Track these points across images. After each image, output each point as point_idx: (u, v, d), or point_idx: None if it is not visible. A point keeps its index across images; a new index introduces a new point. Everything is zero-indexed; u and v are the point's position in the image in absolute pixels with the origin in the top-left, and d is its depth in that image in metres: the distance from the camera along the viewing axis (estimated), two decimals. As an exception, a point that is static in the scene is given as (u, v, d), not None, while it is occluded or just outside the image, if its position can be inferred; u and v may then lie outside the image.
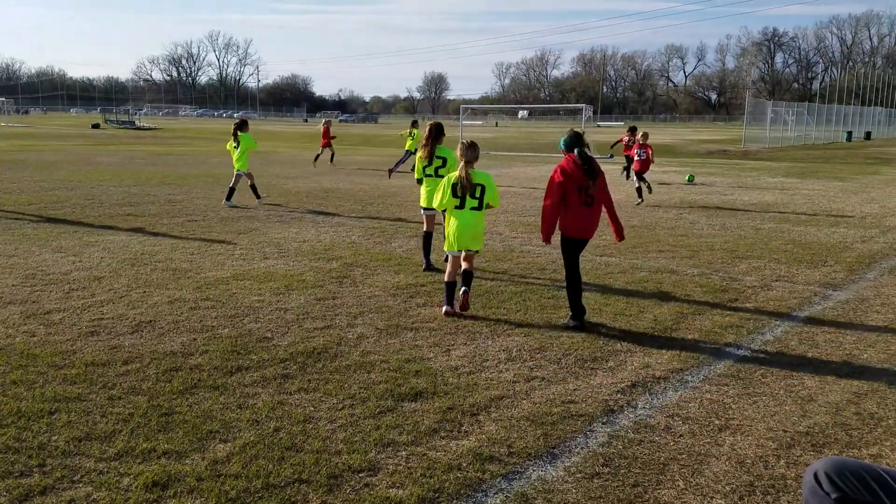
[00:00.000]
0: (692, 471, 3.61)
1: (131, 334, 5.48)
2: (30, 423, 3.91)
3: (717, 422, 4.19)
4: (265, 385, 4.57)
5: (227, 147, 13.42)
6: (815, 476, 2.32)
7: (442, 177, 7.27)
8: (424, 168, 8.07)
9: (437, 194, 6.56)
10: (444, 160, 7.97)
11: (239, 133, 13.02)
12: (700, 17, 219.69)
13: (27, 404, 4.13)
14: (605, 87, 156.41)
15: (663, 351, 5.42)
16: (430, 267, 8.01)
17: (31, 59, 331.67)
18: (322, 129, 24.57)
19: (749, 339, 5.75)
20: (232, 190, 13.07)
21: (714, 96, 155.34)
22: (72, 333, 5.43)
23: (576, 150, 5.98)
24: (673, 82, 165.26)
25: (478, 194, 6.29)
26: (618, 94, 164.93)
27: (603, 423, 4.13)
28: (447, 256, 6.51)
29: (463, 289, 6.24)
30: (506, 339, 5.62)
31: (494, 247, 9.49)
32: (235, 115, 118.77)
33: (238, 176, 13.15)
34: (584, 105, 34.77)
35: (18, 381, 4.48)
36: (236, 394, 4.42)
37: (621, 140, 20.07)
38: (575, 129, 6.51)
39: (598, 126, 59.15)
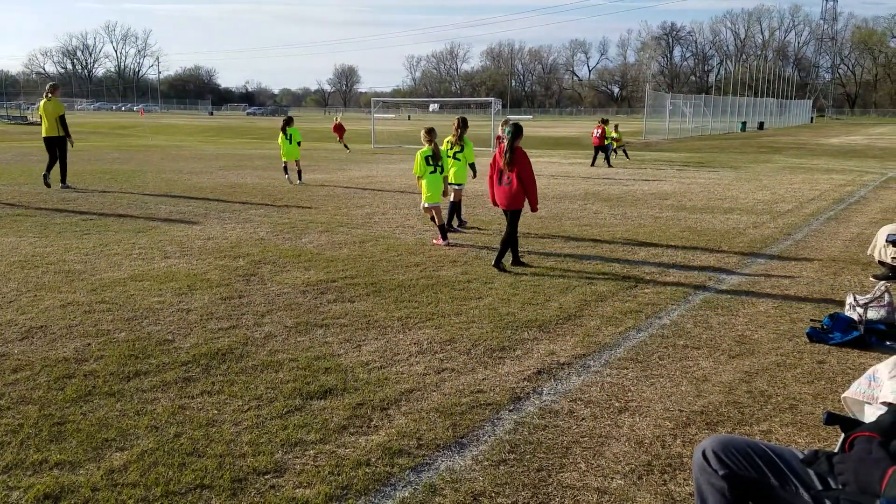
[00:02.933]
0: (593, 453, 3.73)
1: (21, 341, 5.18)
2: None
3: (616, 404, 4.35)
4: (165, 389, 4.42)
5: (279, 141, 16.51)
6: (704, 454, 2.44)
7: (459, 160, 10.21)
8: (447, 152, 10.09)
9: (415, 166, 9.24)
10: (462, 146, 10.30)
11: (288, 128, 16.30)
12: (602, 11, 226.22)
13: None
14: (513, 81, 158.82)
15: (567, 337, 5.57)
16: (455, 229, 10.33)
17: None
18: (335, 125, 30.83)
19: (647, 322, 5.99)
20: (299, 172, 16.35)
21: (616, 90, 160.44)
22: (-48, 343, 5.08)
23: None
24: (577, 76, 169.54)
25: (440, 162, 9.25)
26: (526, 88, 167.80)
27: (510, 411, 4.21)
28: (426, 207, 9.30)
29: (447, 240, 9.16)
30: (417, 332, 5.64)
31: (406, 240, 9.49)
32: (135, 107, 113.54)
33: (287, 165, 16.50)
34: (493, 98, 35.19)
35: None
36: (134, 400, 4.25)
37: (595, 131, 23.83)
38: (516, 122, 8.16)
39: (508, 119, 59.96)
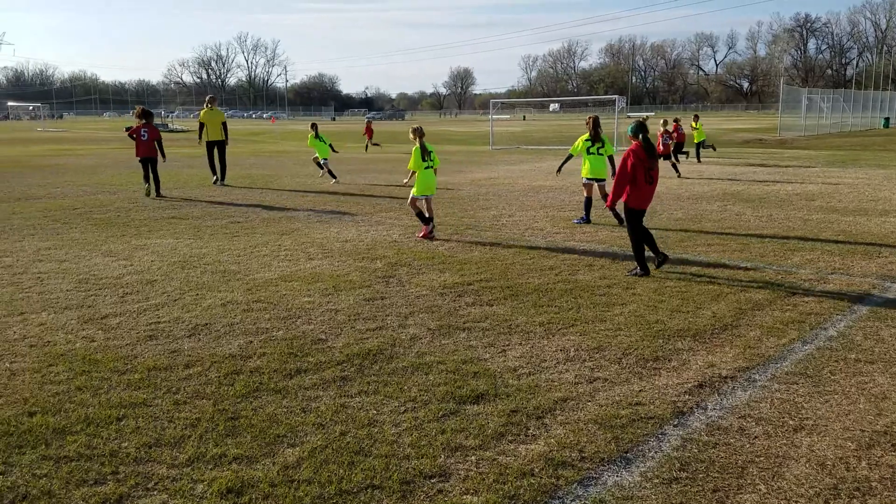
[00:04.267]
0: (772, 474, 3.50)
1: (189, 338, 5.51)
2: (99, 430, 3.93)
3: (791, 422, 4.07)
4: (325, 388, 4.56)
5: (309, 144, 18.00)
6: None
7: (602, 155, 10.88)
8: (588, 148, 10.92)
9: (411, 161, 9.77)
10: (604, 142, 10.97)
11: (318, 132, 17.99)
12: (730, 4, 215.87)
13: (94, 411, 4.17)
14: (634, 78, 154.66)
15: (726, 349, 5.29)
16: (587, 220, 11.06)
17: (65, 63, 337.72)
18: (365, 126, 33.07)
19: (812, 334, 5.59)
20: (330, 171, 17.48)
21: (746, 84, 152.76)
22: (130, 338, 5.48)
23: (641, 136, 7.31)
24: (703, 71, 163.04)
25: (433, 157, 9.81)
26: (647, 84, 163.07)
27: (674, 426, 4.03)
28: (413, 199, 9.81)
29: (431, 225, 9.76)
30: (561, 338, 5.54)
31: (537, 242, 9.39)
32: (265, 115, 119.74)
33: (322, 161, 17.77)
34: (616, 96, 34.35)
35: (83, 387, 4.52)
36: (298, 397, 4.41)
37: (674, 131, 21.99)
38: (640, 119, 7.96)
39: (629, 117, 58.25)
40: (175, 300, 6.55)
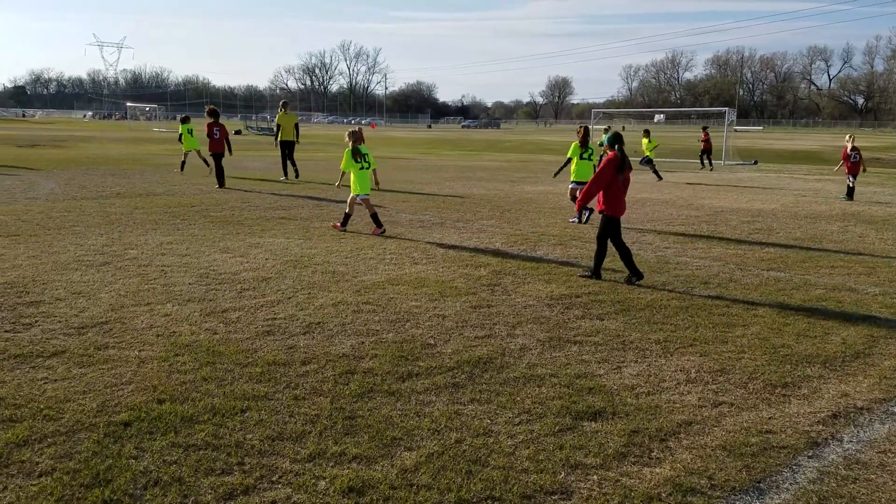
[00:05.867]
0: (926, 520, 3.21)
1: (304, 335, 5.64)
2: (224, 421, 4.05)
3: (942, 464, 3.74)
4: (438, 393, 4.55)
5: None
6: None
7: (591, 161, 11.97)
8: (581, 154, 12.00)
9: (343, 163, 10.67)
10: (591, 150, 12.20)
11: (189, 125, 19.25)
12: (847, 17, 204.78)
13: (220, 401, 4.30)
14: (741, 90, 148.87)
15: (860, 378, 4.94)
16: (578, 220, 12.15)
17: (178, 67, 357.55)
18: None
19: (959, 369, 5.14)
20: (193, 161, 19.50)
21: (861, 100, 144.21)
22: (249, 332, 5.66)
23: (617, 147, 7.54)
24: (816, 85, 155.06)
25: (368, 160, 10.69)
26: (755, 98, 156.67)
27: (809, 457, 3.78)
28: (352, 199, 10.71)
29: (380, 228, 10.56)
30: (680, 357, 5.32)
31: (647, 257, 9.11)
32: (363, 121, 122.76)
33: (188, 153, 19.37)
34: (726, 109, 33.13)
35: (209, 377, 4.69)
36: (412, 401, 4.41)
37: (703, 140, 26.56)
38: (616, 130, 8.49)
39: (735, 131, 55.92)
40: (289, 298, 6.73)
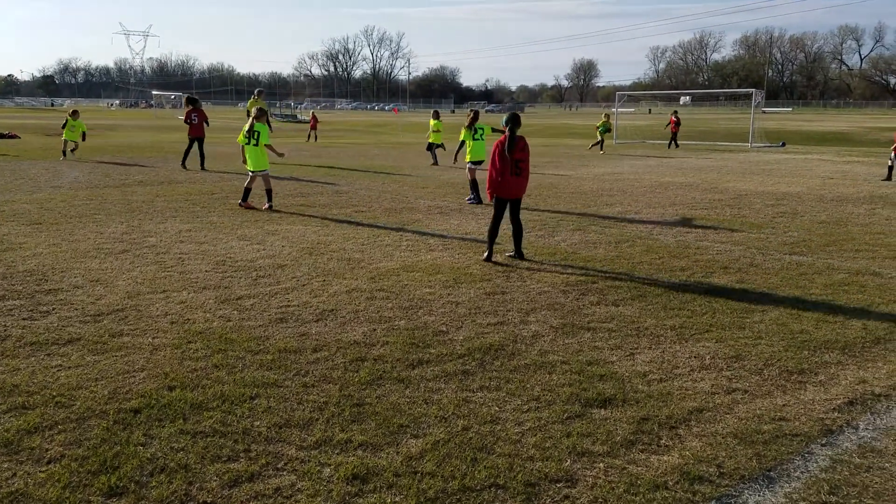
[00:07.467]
0: (942, 510, 3.13)
1: (316, 322, 5.65)
2: (233, 408, 4.08)
3: (962, 453, 3.64)
4: (447, 381, 4.53)
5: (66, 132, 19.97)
6: None
7: (483, 140, 12.93)
8: (474, 135, 12.93)
9: (239, 136, 11.62)
10: (482, 129, 13.06)
11: (73, 121, 20.02)
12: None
13: (229, 388, 4.33)
14: (770, 71, 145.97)
15: (879, 364, 4.83)
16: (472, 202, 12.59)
17: (204, 55, 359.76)
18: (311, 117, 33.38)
19: (985, 356, 5.00)
20: (66, 152, 20.13)
21: (893, 80, 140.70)
22: (262, 319, 5.69)
23: (509, 128, 7.72)
24: (847, 65, 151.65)
25: (255, 137, 11.42)
26: (784, 78, 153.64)
27: (822, 445, 3.70)
28: (251, 176, 11.70)
29: (269, 204, 11.39)
30: (695, 344, 5.24)
31: (667, 242, 8.99)
32: (386, 107, 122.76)
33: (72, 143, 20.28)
34: (753, 90, 32.53)
35: (220, 364, 4.72)
36: (421, 388, 4.40)
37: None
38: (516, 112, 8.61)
39: (764, 112, 54.89)
40: (304, 285, 6.75)
